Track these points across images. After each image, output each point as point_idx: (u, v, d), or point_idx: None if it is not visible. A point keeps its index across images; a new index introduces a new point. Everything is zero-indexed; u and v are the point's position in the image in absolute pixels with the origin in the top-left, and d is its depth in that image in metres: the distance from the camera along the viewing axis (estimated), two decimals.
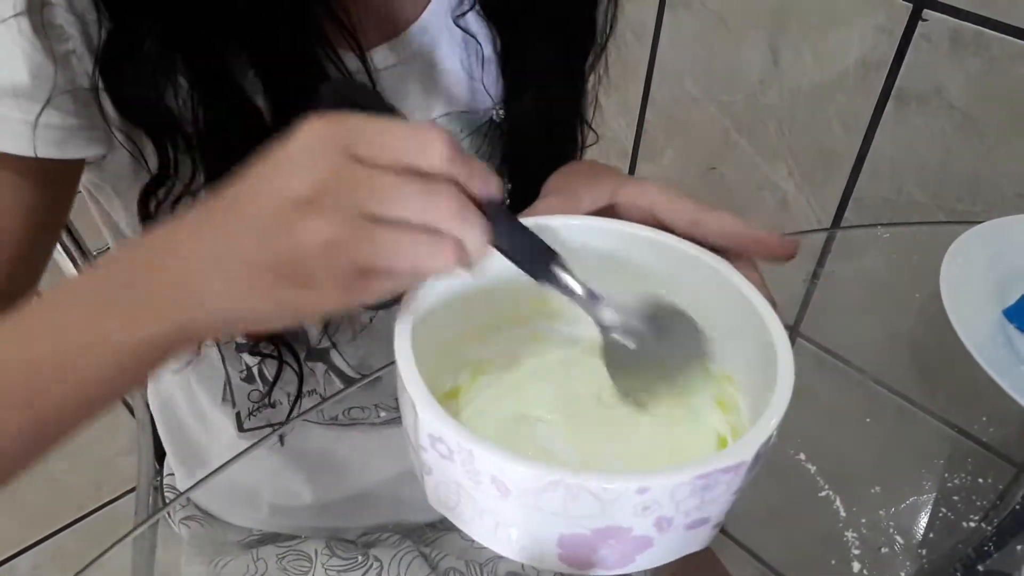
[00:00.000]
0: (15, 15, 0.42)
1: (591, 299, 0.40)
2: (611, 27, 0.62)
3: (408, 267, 0.34)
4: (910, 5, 1.00)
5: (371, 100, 0.36)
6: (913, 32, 1.01)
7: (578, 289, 0.39)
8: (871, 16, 1.04)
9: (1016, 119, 0.96)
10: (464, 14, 0.59)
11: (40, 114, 0.44)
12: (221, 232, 0.35)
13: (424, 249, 0.33)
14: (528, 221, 0.45)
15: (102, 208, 0.58)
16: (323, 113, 0.34)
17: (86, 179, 0.54)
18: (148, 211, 0.50)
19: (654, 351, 0.42)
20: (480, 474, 0.33)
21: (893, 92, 1.05)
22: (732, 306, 0.42)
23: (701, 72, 1.26)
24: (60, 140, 0.46)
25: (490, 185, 0.35)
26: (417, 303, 0.40)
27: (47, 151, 0.46)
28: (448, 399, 0.44)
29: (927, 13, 0.99)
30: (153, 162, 0.49)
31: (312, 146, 0.33)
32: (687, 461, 0.33)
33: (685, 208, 0.44)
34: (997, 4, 0.93)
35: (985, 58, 0.96)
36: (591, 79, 0.64)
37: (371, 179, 0.32)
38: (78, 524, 1.39)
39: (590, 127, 0.67)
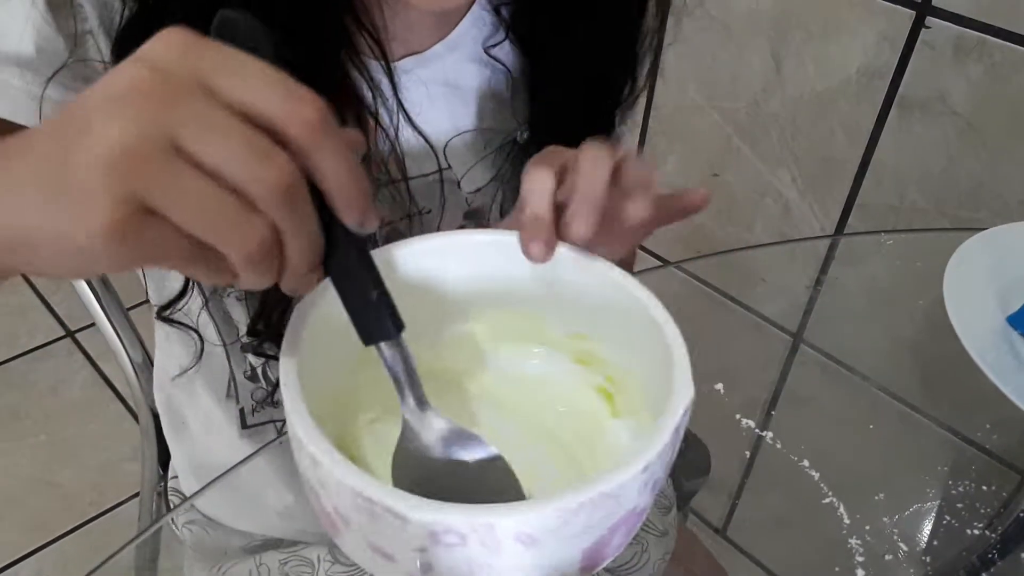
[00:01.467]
0: None
1: (417, 402, 0.36)
2: (655, 70, 0.62)
3: (199, 229, 0.27)
4: (912, 13, 1.00)
5: (263, 45, 0.30)
6: (916, 39, 1.01)
7: (402, 378, 0.35)
8: (873, 24, 1.04)
9: (1019, 126, 0.96)
10: (497, 44, 0.59)
11: (45, 87, 0.45)
12: (24, 141, 0.28)
13: (227, 216, 0.27)
14: (391, 247, 0.41)
15: None
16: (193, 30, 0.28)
17: None
18: None
19: (452, 477, 0.38)
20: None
21: (896, 99, 1.05)
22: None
23: (704, 79, 1.27)
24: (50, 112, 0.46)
25: (356, 204, 0.29)
26: (299, 341, 0.36)
27: (31, 120, 0.46)
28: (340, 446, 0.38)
29: (930, 20, 0.99)
30: None
31: (157, 51, 0.27)
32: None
33: (602, 166, 0.40)
34: (999, 12, 0.93)
35: (988, 65, 0.96)
36: (620, 118, 0.64)
37: (199, 105, 0.26)
38: (81, 530, 1.38)
39: None
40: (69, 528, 1.38)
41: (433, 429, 0.36)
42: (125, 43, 0.45)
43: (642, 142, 1.41)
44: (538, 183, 0.38)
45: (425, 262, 0.41)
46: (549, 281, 0.41)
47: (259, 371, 0.64)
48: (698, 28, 1.23)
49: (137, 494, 0.86)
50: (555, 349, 0.45)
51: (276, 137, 0.27)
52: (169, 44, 0.27)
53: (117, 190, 0.26)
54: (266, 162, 0.27)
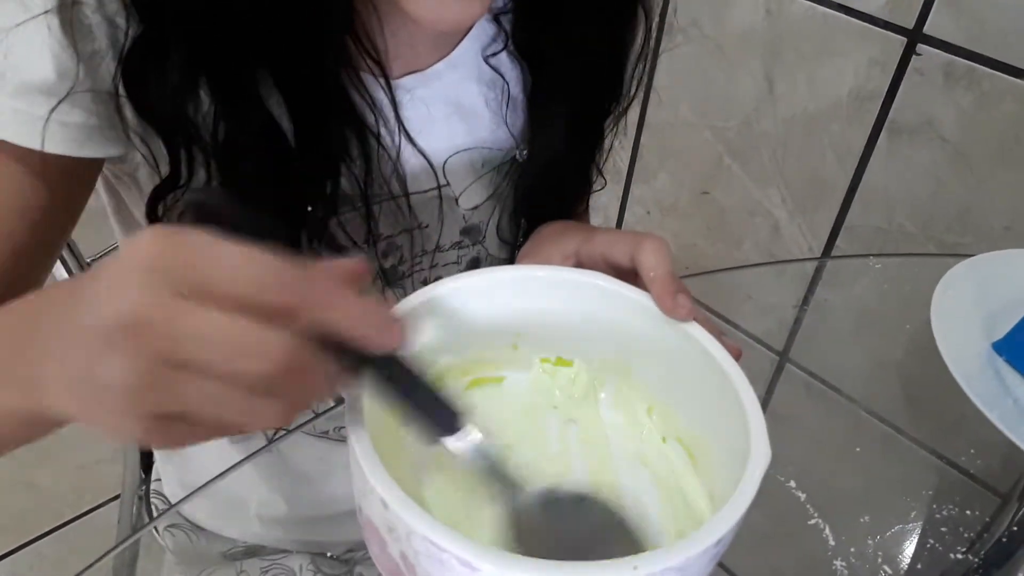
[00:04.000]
0: (44, 12, 0.43)
1: (500, 477, 0.38)
2: (638, 86, 0.63)
3: (214, 423, 0.30)
4: (904, 39, 1.01)
5: (241, 218, 0.31)
6: (906, 66, 1.02)
7: (488, 460, 0.37)
8: (865, 49, 1.05)
9: (1005, 153, 0.97)
10: (497, 53, 0.59)
11: (55, 109, 0.45)
12: (59, 339, 0.33)
13: (242, 410, 0.29)
14: (508, 270, 0.45)
15: (118, 199, 0.58)
16: (169, 226, 0.30)
17: (107, 169, 0.54)
18: (156, 214, 0.50)
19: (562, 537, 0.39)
20: None
21: (886, 124, 1.06)
22: (707, 376, 0.41)
23: (696, 97, 1.28)
24: (81, 138, 0.46)
25: (383, 335, 0.32)
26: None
27: (67, 148, 0.46)
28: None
29: (920, 47, 1.00)
30: (166, 167, 0.49)
31: (140, 266, 0.29)
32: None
33: (622, 255, 0.46)
34: (989, 41, 0.94)
35: (977, 93, 0.97)
36: (609, 129, 0.65)
37: (180, 318, 0.28)
38: (58, 532, 1.37)
39: (600, 172, 0.68)
40: (46, 530, 1.37)
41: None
42: (130, 65, 0.45)
43: (634, 158, 1.42)
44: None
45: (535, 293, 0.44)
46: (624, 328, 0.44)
47: None
48: (691, 47, 1.24)
49: (116, 497, 0.85)
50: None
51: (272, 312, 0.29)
52: (147, 256, 0.29)
53: (138, 412, 0.29)
54: (257, 354, 0.28)
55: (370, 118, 0.52)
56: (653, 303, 0.43)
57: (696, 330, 0.42)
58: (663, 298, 0.43)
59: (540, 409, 0.46)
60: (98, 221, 0.61)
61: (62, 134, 0.46)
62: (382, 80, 0.52)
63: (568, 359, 0.46)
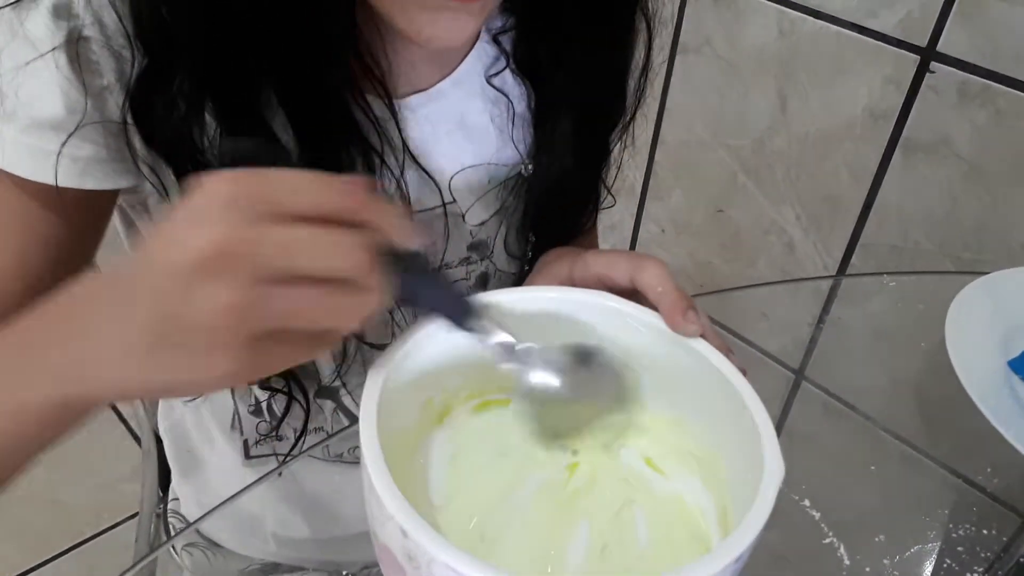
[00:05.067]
0: (52, 50, 0.44)
1: (509, 348, 0.40)
2: (640, 99, 0.64)
3: (313, 327, 0.32)
4: (917, 57, 1.01)
5: (275, 157, 0.34)
6: (920, 83, 1.02)
7: (498, 336, 0.40)
8: (879, 67, 1.05)
9: (1021, 170, 0.97)
10: (498, 74, 0.60)
11: (65, 143, 0.46)
12: (117, 298, 0.34)
13: (328, 306, 0.32)
14: (515, 292, 0.46)
15: (129, 222, 0.59)
16: (223, 170, 0.32)
17: (119, 198, 0.55)
18: None
19: (576, 397, 0.43)
20: None
21: (900, 141, 1.06)
22: (712, 386, 0.41)
23: (710, 116, 1.28)
24: (91, 171, 0.47)
25: (409, 234, 0.35)
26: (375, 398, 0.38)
27: (79, 181, 0.47)
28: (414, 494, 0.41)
29: (934, 65, 1.00)
30: (176, 196, 0.50)
31: (209, 204, 0.31)
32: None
33: (621, 275, 0.47)
34: (1004, 58, 0.94)
35: (992, 110, 0.97)
36: (616, 145, 0.66)
37: (266, 236, 0.31)
38: (77, 549, 1.38)
39: (608, 190, 0.68)
40: (65, 547, 1.37)
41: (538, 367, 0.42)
42: (137, 97, 0.46)
43: (648, 176, 1.42)
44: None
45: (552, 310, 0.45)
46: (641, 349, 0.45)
47: (263, 406, 0.64)
48: (705, 66, 1.25)
49: (134, 515, 0.85)
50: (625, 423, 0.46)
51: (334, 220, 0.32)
52: (218, 192, 0.31)
53: (236, 339, 0.31)
54: (341, 252, 0.32)
55: (374, 138, 0.52)
56: (660, 321, 0.43)
57: (704, 347, 0.42)
58: (672, 315, 0.43)
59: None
60: (107, 240, 0.62)
61: (73, 168, 0.47)
62: (386, 100, 0.53)
63: None
